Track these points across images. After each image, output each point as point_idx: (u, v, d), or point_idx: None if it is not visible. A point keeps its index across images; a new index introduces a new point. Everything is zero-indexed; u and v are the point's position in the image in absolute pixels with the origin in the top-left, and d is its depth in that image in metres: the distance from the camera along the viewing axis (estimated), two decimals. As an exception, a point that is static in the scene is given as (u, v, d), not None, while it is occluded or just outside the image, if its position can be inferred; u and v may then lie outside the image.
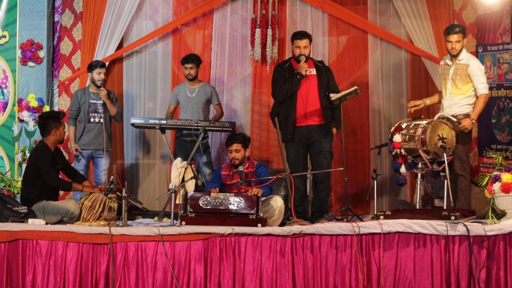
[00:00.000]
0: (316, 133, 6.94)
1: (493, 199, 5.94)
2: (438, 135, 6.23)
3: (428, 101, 7.15)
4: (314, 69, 7.04)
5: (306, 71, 6.88)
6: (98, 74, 7.47)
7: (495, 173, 6.00)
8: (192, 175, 6.68)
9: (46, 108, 7.98)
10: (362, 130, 8.21)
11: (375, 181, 6.76)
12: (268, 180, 6.44)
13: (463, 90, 6.75)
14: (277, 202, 6.39)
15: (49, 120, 6.63)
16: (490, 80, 7.34)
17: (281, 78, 7.04)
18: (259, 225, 5.88)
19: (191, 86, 7.71)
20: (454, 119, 6.57)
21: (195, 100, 7.67)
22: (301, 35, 7.08)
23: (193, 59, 7.65)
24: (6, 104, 8.24)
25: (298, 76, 6.91)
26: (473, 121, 6.61)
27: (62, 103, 8.16)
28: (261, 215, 6.03)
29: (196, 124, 7.12)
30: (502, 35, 7.86)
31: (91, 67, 7.51)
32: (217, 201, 6.04)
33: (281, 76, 7.07)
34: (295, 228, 5.92)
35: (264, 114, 8.30)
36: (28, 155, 7.46)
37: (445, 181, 6.23)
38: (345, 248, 5.86)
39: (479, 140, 7.71)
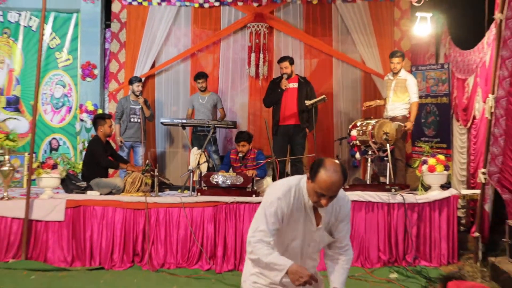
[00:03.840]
0: (293, 131, 6.95)
1: (422, 176, 5.97)
2: (383, 131, 6.24)
3: (378, 101, 7.19)
4: (297, 84, 6.98)
5: (285, 86, 6.87)
6: (137, 87, 7.46)
7: (424, 158, 6.04)
8: (205, 160, 6.68)
9: (99, 111, 7.98)
10: (328, 127, 8.22)
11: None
12: (260, 164, 6.47)
13: (401, 98, 6.77)
14: (268, 181, 6.42)
15: (96, 120, 6.65)
16: (420, 92, 7.38)
17: (270, 90, 7.06)
18: (254, 195, 5.92)
19: (202, 95, 7.72)
20: (402, 124, 6.59)
21: (206, 106, 7.68)
22: (282, 59, 7.06)
23: (203, 76, 7.67)
24: (71, 108, 8.26)
25: (279, 90, 6.93)
26: (412, 123, 6.67)
27: (111, 108, 8.16)
28: (255, 188, 6.07)
29: (207, 123, 7.15)
30: (429, 58, 7.91)
31: (132, 81, 7.50)
32: (224, 178, 6.08)
33: (270, 89, 7.08)
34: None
35: (257, 115, 8.29)
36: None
37: (388, 164, 6.27)
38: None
39: (413, 134, 7.75)
